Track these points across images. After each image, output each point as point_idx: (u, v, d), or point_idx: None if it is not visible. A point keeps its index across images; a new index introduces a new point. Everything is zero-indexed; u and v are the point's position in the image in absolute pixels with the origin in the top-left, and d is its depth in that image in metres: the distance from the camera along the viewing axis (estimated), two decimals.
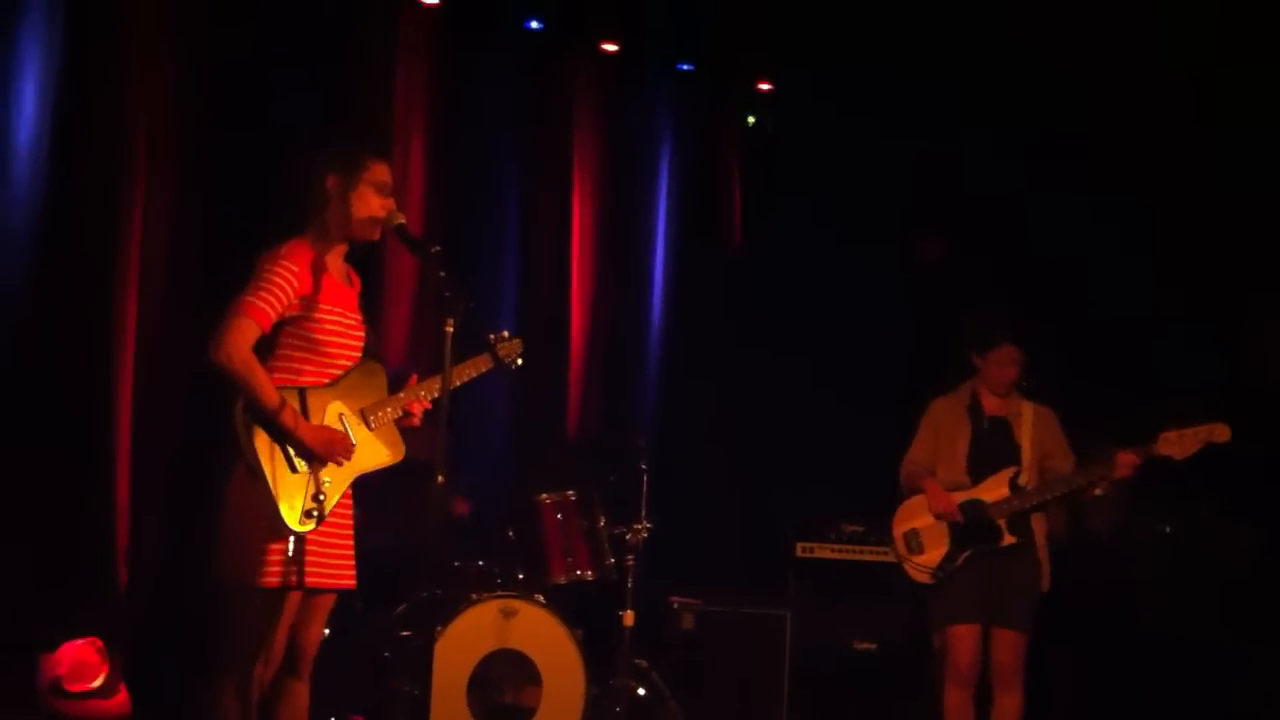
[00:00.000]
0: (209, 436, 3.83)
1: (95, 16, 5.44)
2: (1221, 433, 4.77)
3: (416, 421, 3.88)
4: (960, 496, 5.08)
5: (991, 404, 5.17)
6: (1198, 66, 6.40)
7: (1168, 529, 6.22)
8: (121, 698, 5.15)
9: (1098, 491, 4.97)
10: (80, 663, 5.07)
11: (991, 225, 6.89)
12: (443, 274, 3.67)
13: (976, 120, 6.89)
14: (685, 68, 7.32)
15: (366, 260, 4.14)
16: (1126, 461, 4.85)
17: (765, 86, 7.49)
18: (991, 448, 5.11)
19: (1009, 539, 5.00)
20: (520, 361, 4.14)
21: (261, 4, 5.75)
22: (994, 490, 5.04)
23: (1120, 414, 5.39)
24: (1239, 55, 6.30)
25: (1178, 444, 4.80)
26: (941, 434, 5.21)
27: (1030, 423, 5.10)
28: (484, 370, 4.07)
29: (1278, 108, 6.29)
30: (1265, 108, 6.34)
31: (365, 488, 3.85)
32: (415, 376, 3.92)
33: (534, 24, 6.78)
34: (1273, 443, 5.81)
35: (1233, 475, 5.19)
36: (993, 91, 6.85)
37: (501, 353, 4.08)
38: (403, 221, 3.84)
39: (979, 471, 5.10)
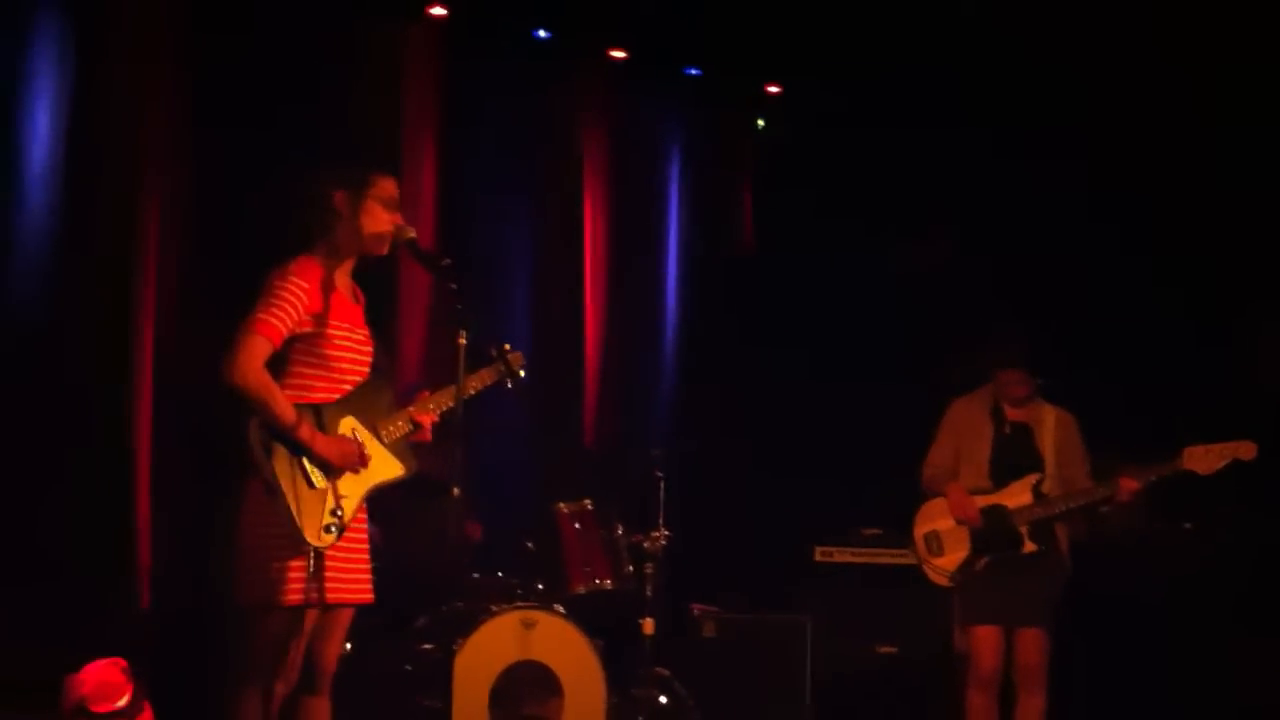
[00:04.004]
0: (228, 454, 3.83)
1: (105, 36, 5.46)
2: (1247, 450, 4.79)
3: (427, 435, 3.89)
4: (983, 501, 5.07)
5: (1012, 409, 5.17)
6: (1197, 64, 6.38)
7: (1187, 526, 6.20)
8: (146, 717, 5.16)
9: (1103, 509, 4.98)
10: (104, 683, 5.07)
11: (991, 224, 6.87)
12: (454, 287, 3.68)
13: (976, 119, 6.87)
14: (693, 73, 7.32)
15: (380, 275, 4.15)
16: (1128, 488, 4.89)
17: (774, 90, 7.49)
18: (1014, 453, 5.11)
19: (1030, 547, 4.99)
20: (523, 373, 4.14)
21: (270, 20, 5.77)
22: (1017, 496, 5.04)
23: (1118, 414, 5.37)
24: (1240, 53, 6.28)
25: (1203, 460, 4.81)
26: (963, 436, 5.21)
27: (1052, 429, 5.10)
28: (489, 383, 4.07)
29: (1278, 106, 6.27)
30: (1266, 106, 6.30)
31: (383, 505, 3.85)
32: (426, 393, 3.93)
33: (542, 33, 6.79)
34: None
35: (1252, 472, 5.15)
36: (992, 90, 6.83)
37: (507, 364, 4.09)
38: (414, 236, 3.85)
39: (1001, 476, 5.09)
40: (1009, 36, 6.56)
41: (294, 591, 3.58)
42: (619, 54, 7.02)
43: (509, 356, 4.10)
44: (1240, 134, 6.41)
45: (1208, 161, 6.48)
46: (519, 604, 4.99)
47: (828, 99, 7.23)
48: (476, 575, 5.31)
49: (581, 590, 5.22)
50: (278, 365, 3.66)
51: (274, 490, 3.55)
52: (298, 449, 3.60)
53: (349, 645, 4.01)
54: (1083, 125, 6.66)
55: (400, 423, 3.84)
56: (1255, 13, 6.05)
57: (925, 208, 7.03)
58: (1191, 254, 6.51)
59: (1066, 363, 5.36)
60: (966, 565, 5.05)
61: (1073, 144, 6.64)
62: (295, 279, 3.68)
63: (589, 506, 5.34)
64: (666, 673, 5.45)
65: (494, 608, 4.91)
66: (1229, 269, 6.48)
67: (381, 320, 4.00)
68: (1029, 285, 6.60)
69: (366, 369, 3.82)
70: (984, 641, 4.99)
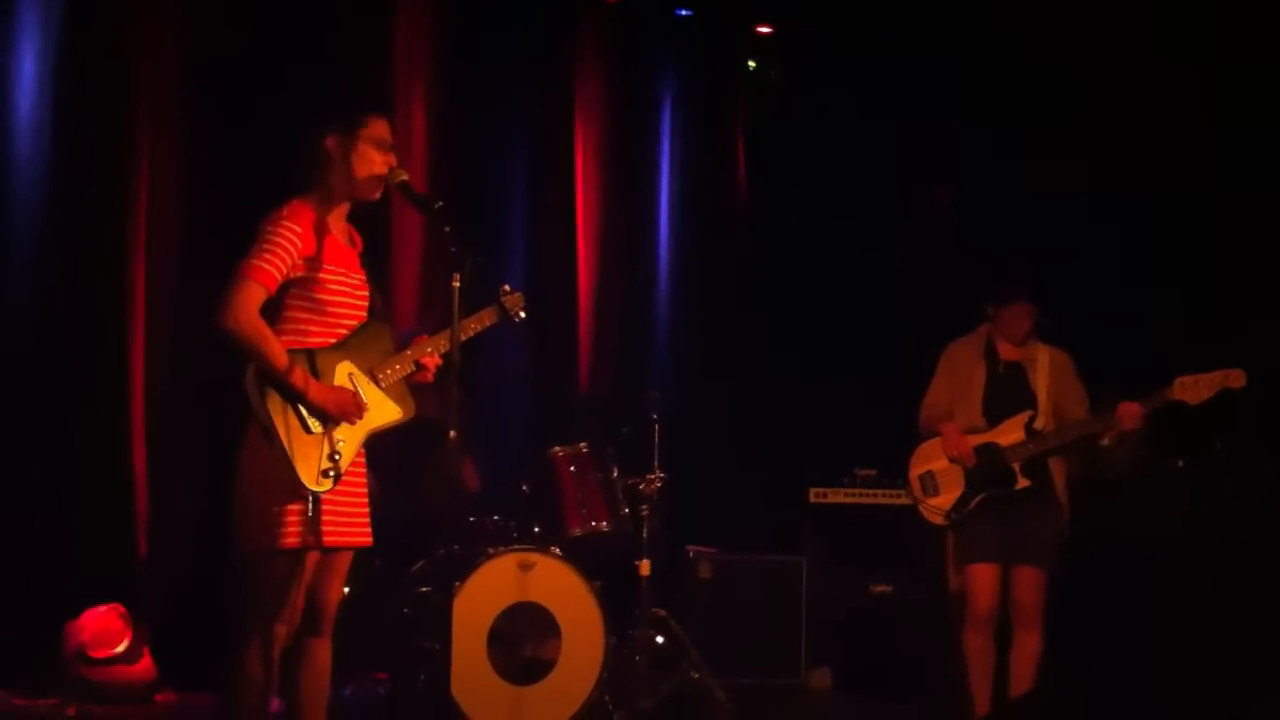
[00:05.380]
0: (223, 402, 3.83)
1: None
2: (1236, 379, 4.80)
3: (430, 376, 3.89)
4: (976, 440, 5.08)
5: (1007, 348, 5.17)
6: (1198, 64, 6.40)
7: (1181, 464, 6.23)
8: (145, 663, 5.20)
9: (1105, 441, 5.00)
10: (104, 629, 5.12)
11: (991, 224, 6.88)
12: (448, 229, 3.66)
13: (975, 118, 6.88)
14: (684, 14, 7.27)
15: (373, 219, 4.13)
16: (1129, 413, 4.89)
17: (765, 30, 7.44)
18: (1007, 392, 5.11)
19: (1023, 483, 5.01)
20: (523, 314, 4.15)
21: None
22: (1010, 434, 5.05)
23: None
24: (1241, 53, 6.28)
25: (1193, 389, 4.82)
26: (958, 377, 5.21)
27: (1045, 367, 5.11)
28: (489, 324, 4.08)
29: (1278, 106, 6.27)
30: (1266, 107, 6.31)
31: (380, 447, 3.86)
32: (424, 337, 3.92)
33: None
34: None
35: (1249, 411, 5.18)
36: (992, 89, 6.87)
37: (506, 305, 4.10)
38: (406, 179, 3.82)
39: (995, 415, 5.10)
40: (1009, 36, 6.59)
41: (292, 535, 3.59)
42: None
43: (509, 298, 4.11)
44: (1240, 134, 6.40)
45: (1208, 161, 6.48)
46: (516, 546, 5.00)
47: (819, 40, 7.20)
48: (473, 519, 5.32)
49: (578, 533, 5.24)
50: (273, 311, 3.65)
51: (270, 435, 3.55)
52: (292, 395, 3.59)
53: (348, 589, 4.01)
54: (1083, 125, 6.68)
55: (399, 366, 3.83)
56: (1256, 13, 6.06)
57: (921, 154, 7.02)
58: (1191, 254, 6.51)
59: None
60: (961, 504, 5.07)
61: (1073, 144, 6.66)
62: (288, 223, 3.65)
63: (585, 450, 5.36)
64: (663, 613, 5.49)
65: (491, 550, 4.93)
66: (1228, 269, 6.49)
67: (375, 264, 3.97)
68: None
69: (363, 313, 3.80)
70: (980, 580, 5.02)
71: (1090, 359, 5.31)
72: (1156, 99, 6.57)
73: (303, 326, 3.69)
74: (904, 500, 5.36)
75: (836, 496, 6.44)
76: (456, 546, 5.07)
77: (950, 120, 6.93)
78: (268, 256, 3.60)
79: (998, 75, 6.89)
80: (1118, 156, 6.61)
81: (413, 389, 3.89)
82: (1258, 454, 6.19)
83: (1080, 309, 6.40)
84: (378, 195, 3.83)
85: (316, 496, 3.59)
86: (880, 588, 6.31)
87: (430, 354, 3.88)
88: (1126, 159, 6.60)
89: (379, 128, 3.80)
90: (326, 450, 3.61)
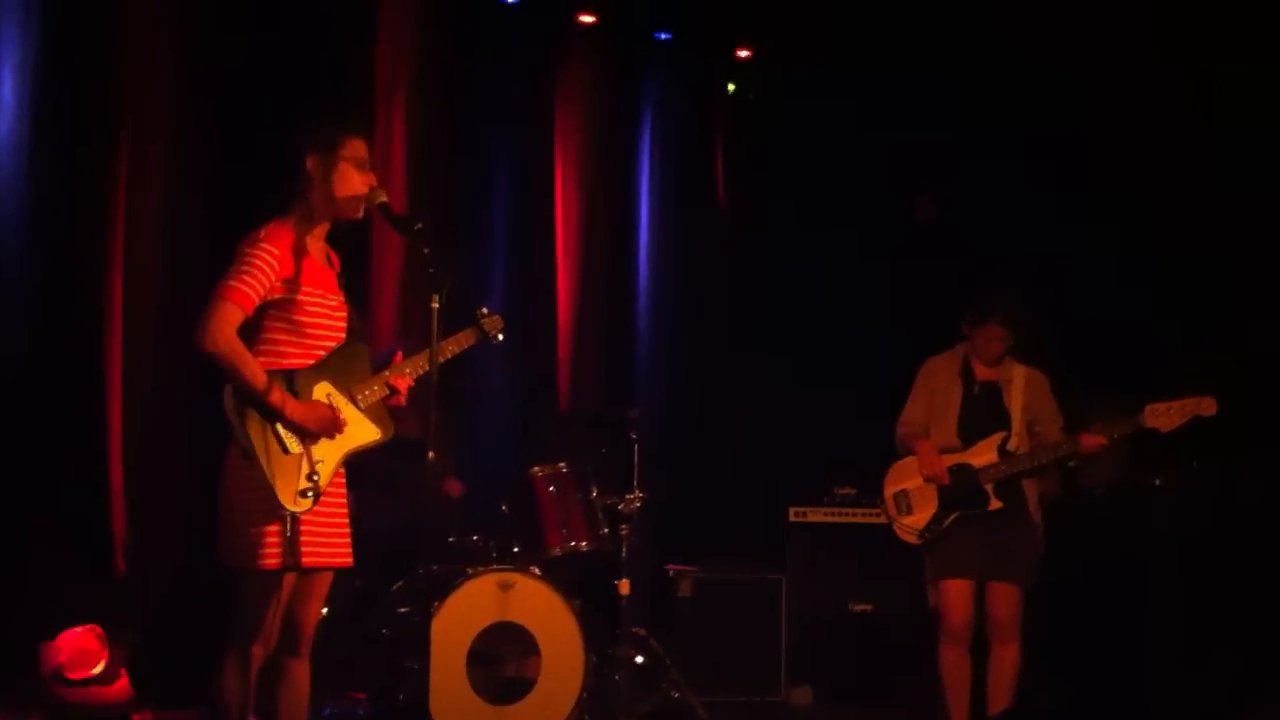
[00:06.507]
0: (202, 422, 3.84)
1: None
2: (1208, 406, 4.84)
3: (403, 400, 3.90)
4: (951, 459, 5.11)
5: (982, 368, 5.20)
6: (1197, 65, 6.42)
7: (1158, 482, 6.26)
8: (122, 684, 5.18)
9: (1072, 464, 5.05)
10: (80, 650, 5.09)
11: (989, 225, 6.91)
12: (427, 250, 3.67)
13: (973, 119, 6.91)
14: (663, 37, 7.30)
15: (353, 239, 4.14)
16: (1091, 443, 4.95)
17: (744, 54, 7.47)
18: (982, 412, 5.14)
19: (996, 504, 5.03)
20: (501, 336, 4.17)
21: None
22: (983, 455, 5.08)
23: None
24: (1241, 54, 6.32)
25: (1164, 416, 4.87)
26: (935, 394, 5.24)
27: (1020, 388, 5.14)
28: (467, 345, 4.11)
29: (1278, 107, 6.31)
30: (1266, 108, 6.34)
31: (359, 467, 3.86)
32: (400, 354, 3.93)
33: None
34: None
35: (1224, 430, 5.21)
36: (989, 90, 6.90)
37: (484, 327, 4.12)
38: (385, 200, 3.83)
39: (969, 435, 5.13)
40: (1008, 36, 6.63)
41: (271, 556, 3.59)
42: (589, 18, 7.00)
43: (487, 320, 4.13)
44: (1240, 134, 6.43)
45: (1208, 162, 6.50)
46: (496, 566, 5.01)
47: (798, 62, 7.24)
48: (453, 539, 5.33)
49: (557, 552, 5.25)
50: (252, 332, 3.65)
51: (250, 456, 3.55)
52: (270, 415, 3.59)
53: (326, 609, 4.01)
54: (1081, 125, 6.71)
55: (376, 387, 3.83)
56: (1255, 14, 6.09)
57: (912, 164, 7.05)
58: (1191, 255, 6.54)
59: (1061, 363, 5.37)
60: (934, 523, 5.09)
61: (1070, 145, 6.68)
62: (266, 245, 3.66)
63: (564, 469, 5.37)
64: (643, 632, 5.50)
65: (470, 570, 4.93)
66: (1228, 269, 6.51)
67: (355, 285, 3.99)
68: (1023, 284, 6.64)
69: (341, 334, 3.81)
70: (953, 595, 5.04)
71: (1088, 361, 5.34)
72: (1156, 100, 6.58)
73: (280, 348, 3.70)
74: (882, 519, 5.38)
75: (816, 515, 6.46)
76: (436, 566, 5.07)
77: (945, 124, 6.94)
78: (245, 278, 3.61)
79: (996, 78, 6.89)
80: (1117, 157, 6.62)
81: (394, 409, 3.90)
82: (1250, 461, 6.22)
83: (1079, 310, 6.47)
84: (360, 215, 3.84)
85: (295, 516, 3.59)
86: (860, 606, 6.33)
87: (407, 375, 3.89)
88: (1126, 160, 6.61)
89: (358, 147, 3.81)
90: (305, 470, 3.62)
